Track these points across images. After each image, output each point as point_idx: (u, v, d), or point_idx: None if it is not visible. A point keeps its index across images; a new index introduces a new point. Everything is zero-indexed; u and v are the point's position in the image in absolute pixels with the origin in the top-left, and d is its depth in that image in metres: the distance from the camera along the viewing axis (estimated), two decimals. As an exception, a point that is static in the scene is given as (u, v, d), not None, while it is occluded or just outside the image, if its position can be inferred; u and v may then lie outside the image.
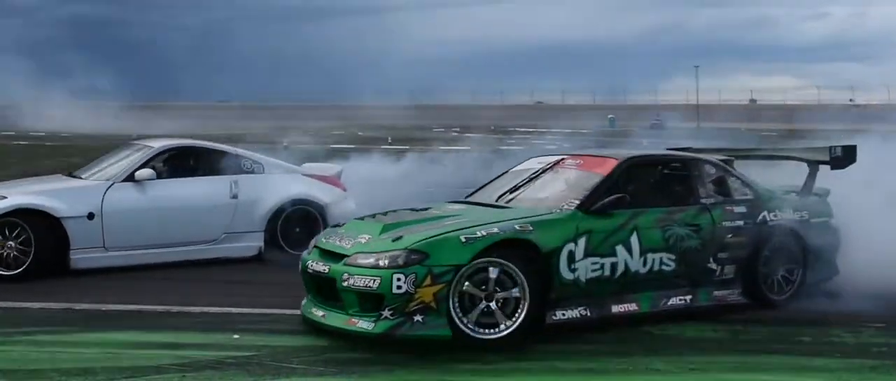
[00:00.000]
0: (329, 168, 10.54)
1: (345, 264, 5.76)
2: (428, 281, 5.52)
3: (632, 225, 6.44)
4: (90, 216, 8.41)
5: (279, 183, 9.56)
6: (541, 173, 7.11)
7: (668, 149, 8.87)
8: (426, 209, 6.79)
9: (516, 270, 5.78)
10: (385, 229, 6.05)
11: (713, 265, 6.78)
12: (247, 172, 9.54)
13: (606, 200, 6.38)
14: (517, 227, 6.00)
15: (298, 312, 6.37)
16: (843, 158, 7.64)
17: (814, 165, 7.65)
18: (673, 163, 7.43)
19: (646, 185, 7.13)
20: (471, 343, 5.61)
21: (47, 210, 8.21)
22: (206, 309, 6.98)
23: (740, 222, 6.90)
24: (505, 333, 5.71)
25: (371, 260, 5.64)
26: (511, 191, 7.00)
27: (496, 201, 6.88)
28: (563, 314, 6.08)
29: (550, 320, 6.01)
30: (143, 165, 8.94)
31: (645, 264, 6.46)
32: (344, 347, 5.67)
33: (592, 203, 6.36)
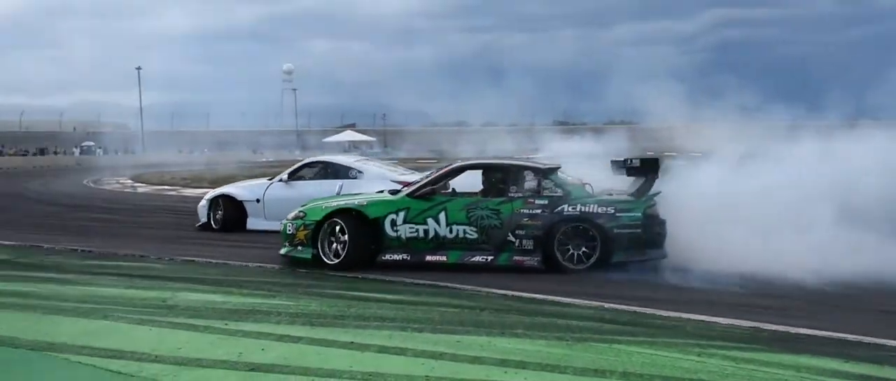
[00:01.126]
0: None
1: (284, 221, 10.78)
2: (302, 228, 10.32)
3: (442, 206, 10.16)
4: (257, 201, 14.86)
5: (362, 186, 13.52)
6: (433, 174, 10.98)
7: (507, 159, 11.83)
8: (358, 194, 11.52)
9: (345, 226, 10.06)
10: (310, 203, 10.95)
11: (512, 238, 9.97)
12: (352, 179, 14.45)
13: (423, 190, 10.39)
14: (356, 203, 10.46)
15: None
16: (641, 168, 10.22)
17: (628, 172, 10.34)
18: (496, 169, 10.78)
19: (475, 181, 10.80)
20: (322, 264, 10.08)
21: (234, 196, 15.11)
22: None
23: (538, 211, 9.94)
24: (339, 261, 10.00)
25: (288, 218, 10.66)
26: (416, 184, 10.79)
27: (397, 191, 10.90)
28: (390, 257, 10.18)
29: (380, 259, 10.16)
30: (292, 173, 15.08)
31: (451, 232, 10.10)
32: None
33: (416, 191, 10.42)
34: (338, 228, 10.10)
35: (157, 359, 5.71)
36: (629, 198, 10.06)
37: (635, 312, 7.44)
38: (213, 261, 10.64)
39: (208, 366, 5.54)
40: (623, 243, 9.69)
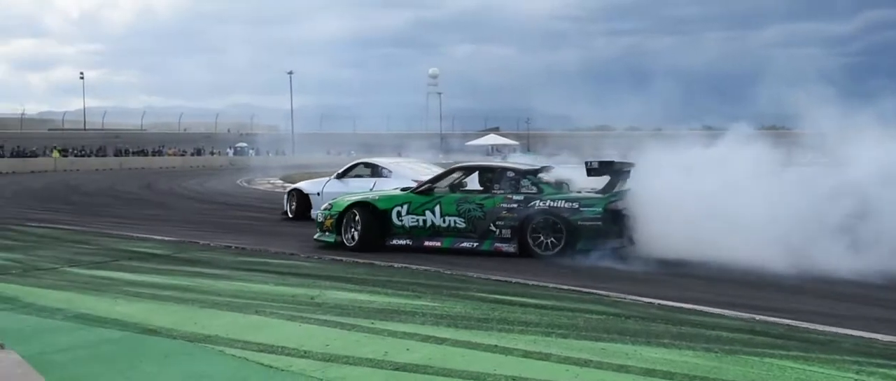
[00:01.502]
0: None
1: (317, 212, 13.82)
2: (329, 218, 12.49)
3: (437, 201, 12.10)
4: (318, 194, 17.49)
5: (391, 183, 15.49)
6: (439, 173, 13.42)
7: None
8: (381, 190, 13.97)
9: (359, 217, 12.17)
10: (339, 197, 13.16)
11: (493, 228, 11.64)
12: (384, 177, 17.05)
13: (423, 187, 12.47)
14: (371, 197, 12.67)
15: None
16: (599, 169, 11.63)
17: (588, 173, 11.69)
18: (484, 170, 12.76)
19: (471, 180, 12.88)
20: (342, 245, 12.18)
21: (302, 189, 18.37)
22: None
23: (515, 205, 11.56)
24: (354, 244, 12.06)
25: (320, 209, 13.20)
26: (425, 182, 12.88)
27: (405, 188, 13.02)
28: (396, 242, 12.17)
29: (388, 244, 12.13)
30: (346, 171, 18.11)
31: (444, 222, 11.99)
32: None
33: (418, 189, 12.53)
34: (355, 217, 12.20)
35: (305, 355, 5.85)
36: (594, 195, 11.52)
37: (788, 325, 7.13)
38: (360, 261, 10.82)
39: (354, 364, 5.63)
40: (585, 234, 11.02)
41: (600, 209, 11.08)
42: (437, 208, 12.02)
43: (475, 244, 11.70)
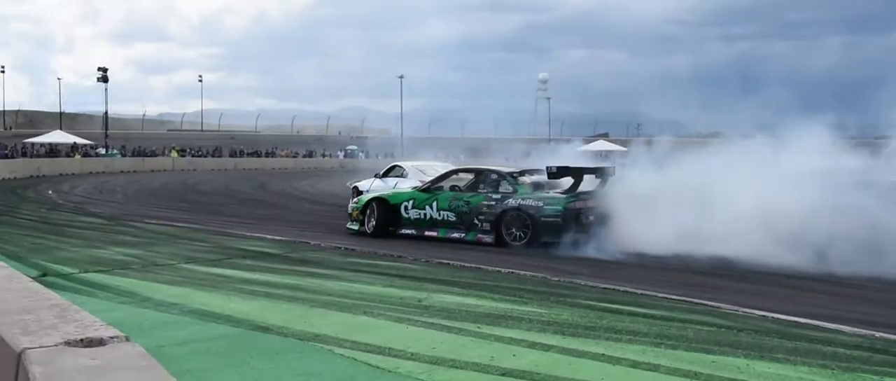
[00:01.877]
0: None
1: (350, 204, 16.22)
2: (355, 210, 15.02)
3: (434, 197, 14.30)
4: (367, 190, 18.82)
5: (405, 183, 18.79)
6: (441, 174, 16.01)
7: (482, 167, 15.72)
8: (399, 189, 17.09)
9: (375, 209, 14.63)
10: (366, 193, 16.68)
11: (477, 221, 13.63)
12: (404, 177, 19.91)
13: (425, 186, 15.02)
14: (385, 194, 15.32)
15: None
16: (557, 174, 13.51)
17: (549, 176, 13.65)
18: (477, 172, 14.91)
19: (461, 181, 14.98)
20: (364, 233, 14.54)
21: (358, 187, 21.02)
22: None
23: (492, 203, 13.56)
24: (370, 231, 14.51)
25: (351, 203, 16.16)
26: (428, 181, 15.55)
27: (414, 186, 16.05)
28: (404, 231, 14.43)
29: (397, 232, 14.40)
30: (385, 172, 21.14)
31: (440, 215, 14.08)
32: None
33: (421, 187, 15.01)
34: (374, 210, 14.76)
35: (412, 357, 5.88)
36: (558, 195, 13.35)
37: (911, 343, 6.85)
38: (467, 265, 10.85)
39: (461, 367, 5.63)
40: (547, 228, 12.85)
41: (560, 208, 12.88)
42: (435, 204, 14.26)
43: (463, 235, 13.82)
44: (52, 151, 57.38)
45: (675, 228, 11.87)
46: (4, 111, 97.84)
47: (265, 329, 6.79)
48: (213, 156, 70.73)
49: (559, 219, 12.73)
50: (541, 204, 13.00)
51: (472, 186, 14.33)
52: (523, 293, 8.64)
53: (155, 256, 11.53)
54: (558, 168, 13.48)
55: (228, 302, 7.96)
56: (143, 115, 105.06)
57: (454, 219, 13.93)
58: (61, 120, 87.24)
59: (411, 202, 14.50)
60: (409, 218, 14.46)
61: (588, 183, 13.73)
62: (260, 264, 10.76)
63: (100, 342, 2.55)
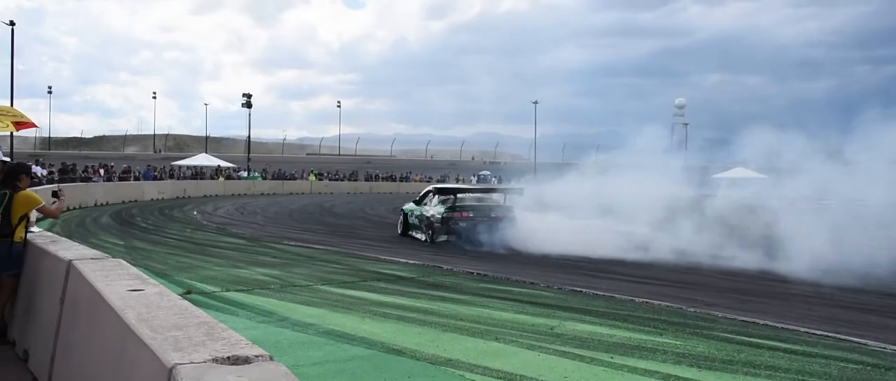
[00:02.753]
0: None
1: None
2: (401, 219, 21.86)
3: (416, 209, 20.57)
4: (409, 211, 21.67)
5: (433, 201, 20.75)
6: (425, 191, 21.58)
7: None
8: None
9: (402, 218, 21.71)
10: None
11: (424, 226, 19.69)
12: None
13: (417, 200, 21.01)
14: (406, 208, 21.54)
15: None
16: (440, 190, 19.95)
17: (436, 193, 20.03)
18: (435, 190, 20.08)
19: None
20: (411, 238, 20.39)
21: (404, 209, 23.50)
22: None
23: (427, 213, 19.36)
24: (400, 232, 21.57)
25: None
26: (419, 197, 21.51)
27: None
28: (410, 233, 20.52)
29: (409, 234, 20.63)
30: (420, 198, 21.24)
31: (417, 222, 20.11)
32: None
33: (415, 201, 21.30)
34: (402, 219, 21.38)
35: (544, 385, 5.85)
36: (442, 208, 18.97)
37: None
38: (600, 293, 10.73)
39: (593, 397, 5.57)
40: (437, 230, 18.83)
41: (440, 216, 18.80)
42: (416, 213, 20.39)
43: (423, 237, 19.56)
44: (198, 173, 59.64)
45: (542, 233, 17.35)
46: (155, 135, 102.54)
47: (398, 352, 6.89)
48: (349, 179, 72.09)
49: (440, 223, 18.73)
50: (434, 213, 19.09)
51: (425, 200, 20.36)
52: (658, 324, 8.49)
53: (293, 277, 11.85)
54: (444, 188, 20.56)
55: (362, 324, 8.11)
56: (284, 139, 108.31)
57: (417, 223, 20.22)
58: (207, 143, 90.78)
59: (412, 213, 20.68)
60: (413, 224, 20.56)
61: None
62: (393, 288, 10.92)
63: (245, 360, 2.65)
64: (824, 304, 10.46)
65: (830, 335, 8.23)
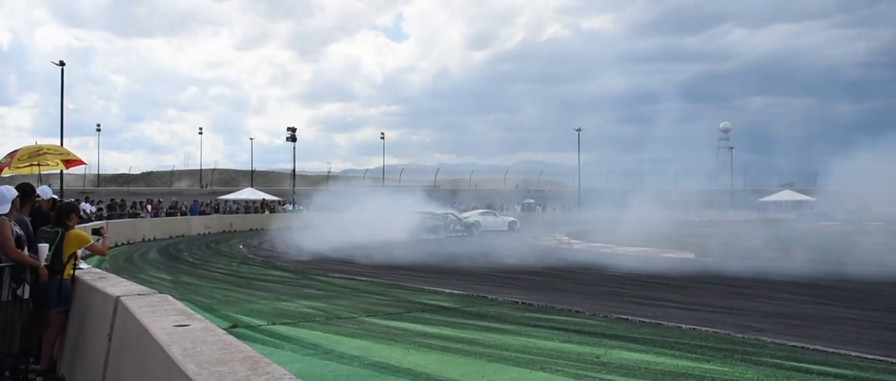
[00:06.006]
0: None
1: None
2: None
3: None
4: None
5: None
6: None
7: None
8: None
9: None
10: None
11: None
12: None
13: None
14: None
15: None
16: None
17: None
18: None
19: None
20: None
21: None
22: None
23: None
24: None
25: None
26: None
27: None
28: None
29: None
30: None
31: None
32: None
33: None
34: None
35: (590, 415, 5.81)
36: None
37: None
38: (646, 320, 10.63)
39: (640, 427, 5.52)
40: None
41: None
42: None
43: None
44: (244, 207, 60.28)
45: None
46: (202, 170, 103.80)
47: (443, 383, 6.87)
48: (393, 210, 72.40)
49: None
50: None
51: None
52: (705, 351, 8.39)
53: (337, 309, 11.89)
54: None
55: (407, 355, 8.11)
56: (328, 171, 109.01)
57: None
58: (253, 177, 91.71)
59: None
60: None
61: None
62: (437, 318, 10.92)
63: (288, 395, 2.67)
64: (875, 328, 10.27)
65: (882, 358, 8.07)
